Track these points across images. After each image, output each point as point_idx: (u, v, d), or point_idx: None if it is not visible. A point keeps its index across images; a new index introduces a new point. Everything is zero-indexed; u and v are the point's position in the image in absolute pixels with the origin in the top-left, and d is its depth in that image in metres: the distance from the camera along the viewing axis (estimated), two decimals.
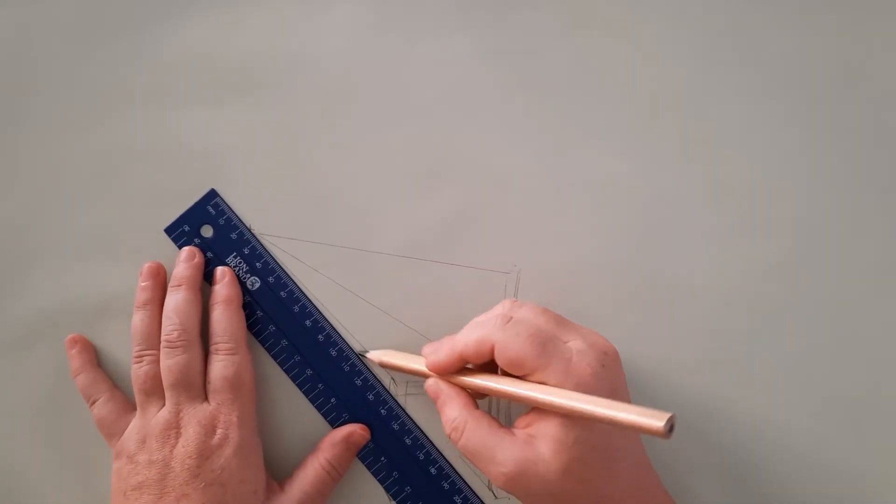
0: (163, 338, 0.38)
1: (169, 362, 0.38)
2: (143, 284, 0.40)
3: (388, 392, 0.41)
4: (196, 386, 0.38)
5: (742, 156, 0.41)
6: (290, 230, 0.41)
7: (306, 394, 0.40)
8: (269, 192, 0.41)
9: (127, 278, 0.41)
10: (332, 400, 0.40)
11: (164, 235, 0.41)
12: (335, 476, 0.39)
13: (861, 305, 0.40)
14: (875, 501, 0.40)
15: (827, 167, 0.41)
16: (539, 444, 0.33)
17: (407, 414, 0.41)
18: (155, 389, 0.38)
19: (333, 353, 0.40)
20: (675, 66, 0.41)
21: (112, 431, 0.39)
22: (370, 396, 0.40)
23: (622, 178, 0.41)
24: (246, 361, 0.39)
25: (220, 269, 0.40)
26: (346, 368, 0.40)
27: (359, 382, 0.40)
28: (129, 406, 0.39)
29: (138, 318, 0.39)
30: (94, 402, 0.39)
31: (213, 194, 0.41)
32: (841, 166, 0.41)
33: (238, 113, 0.42)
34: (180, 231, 0.41)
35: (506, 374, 0.35)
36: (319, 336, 0.40)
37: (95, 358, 0.41)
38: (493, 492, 0.41)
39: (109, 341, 0.41)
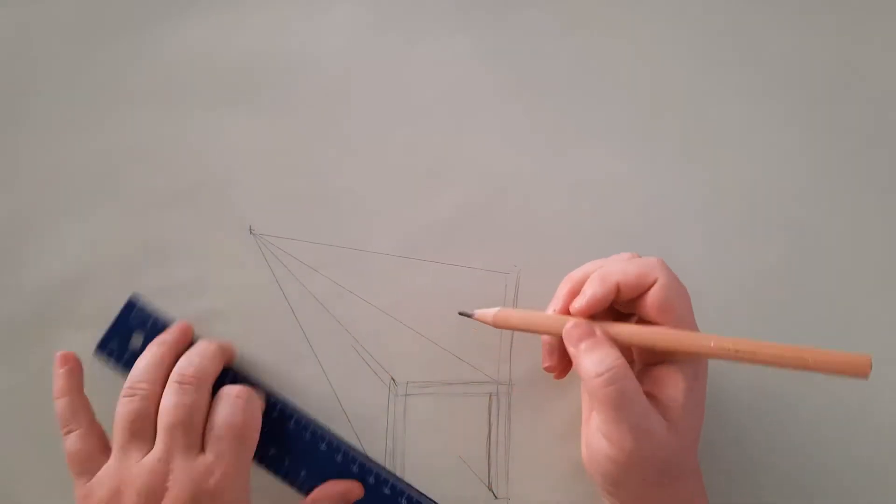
0: (176, 373, 0.35)
1: (174, 400, 0.34)
2: (168, 330, 0.39)
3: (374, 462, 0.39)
4: (197, 433, 0.34)
5: (742, 156, 0.41)
6: (290, 230, 0.41)
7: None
8: (268, 191, 0.41)
9: (126, 277, 0.41)
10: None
11: (165, 236, 0.41)
12: None
13: (861, 305, 0.40)
14: (875, 501, 0.40)
15: (827, 167, 0.41)
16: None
17: (397, 478, 0.39)
18: (143, 431, 0.34)
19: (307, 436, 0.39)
20: (675, 66, 0.41)
21: (83, 469, 0.34)
22: (354, 469, 0.38)
23: (622, 178, 0.41)
24: (258, 410, 0.36)
25: (186, 328, 0.39)
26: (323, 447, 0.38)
27: (339, 458, 0.38)
28: (107, 443, 0.35)
29: (149, 354, 0.36)
30: (69, 432, 0.35)
31: (131, 304, 0.40)
32: (841, 166, 0.41)
33: (238, 113, 0.42)
34: (108, 350, 0.39)
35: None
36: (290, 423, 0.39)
37: (82, 383, 0.37)
38: (493, 492, 0.41)
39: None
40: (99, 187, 0.41)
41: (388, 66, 0.42)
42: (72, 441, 0.35)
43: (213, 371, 0.36)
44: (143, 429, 0.34)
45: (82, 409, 0.36)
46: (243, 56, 0.42)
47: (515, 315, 0.36)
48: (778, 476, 0.40)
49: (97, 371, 0.39)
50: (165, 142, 0.42)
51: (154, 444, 0.34)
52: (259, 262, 0.41)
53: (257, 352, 0.41)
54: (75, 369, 0.37)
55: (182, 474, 0.33)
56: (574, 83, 0.41)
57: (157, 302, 0.41)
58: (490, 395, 0.41)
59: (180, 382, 0.35)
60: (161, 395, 0.35)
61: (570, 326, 0.34)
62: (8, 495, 0.41)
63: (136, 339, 0.39)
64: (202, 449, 0.34)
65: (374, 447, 0.40)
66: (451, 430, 0.41)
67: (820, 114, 0.41)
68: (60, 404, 0.36)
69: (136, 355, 0.37)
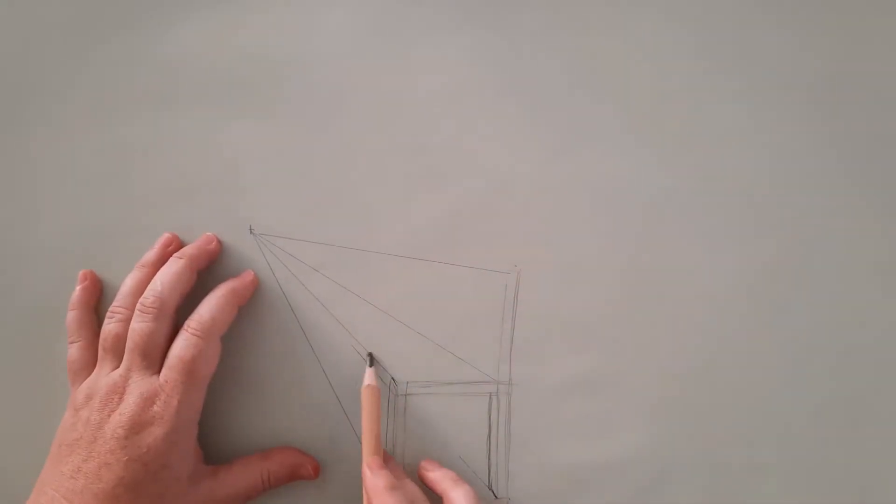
0: (140, 300, 0.38)
1: (135, 325, 0.37)
2: (153, 249, 0.40)
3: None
4: (152, 357, 0.37)
5: (742, 155, 0.41)
6: (290, 230, 0.41)
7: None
8: (269, 191, 0.41)
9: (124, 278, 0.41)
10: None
11: (166, 234, 0.41)
12: (268, 489, 0.39)
13: (861, 305, 0.40)
14: (875, 501, 0.40)
15: (826, 167, 0.41)
16: None
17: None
18: (115, 349, 0.38)
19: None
20: (675, 66, 0.41)
21: (76, 377, 0.39)
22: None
23: (622, 178, 0.41)
24: (211, 351, 0.38)
25: (247, 271, 0.40)
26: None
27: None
28: None
29: (130, 277, 0.39)
30: (72, 343, 0.39)
31: None
32: (841, 166, 0.41)
33: (238, 112, 0.42)
34: None
35: None
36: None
37: (95, 301, 0.41)
38: (493, 492, 0.41)
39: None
40: (99, 187, 0.41)
41: (388, 65, 0.42)
42: (73, 351, 0.39)
43: (177, 296, 0.38)
44: (115, 347, 0.38)
45: (88, 324, 0.40)
46: (243, 55, 0.42)
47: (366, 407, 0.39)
48: (778, 476, 0.40)
49: None
50: (165, 142, 0.41)
51: None
52: (259, 262, 0.41)
53: (257, 351, 0.41)
54: (89, 287, 0.41)
55: (135, 389, 0.36)
56: (574, 83, 0.41)
57: None
58: (490, 395, 0.41)
59: (141, 310, 0.37)
60: None
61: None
62: (8, 496, 0.41)
63: None
64: (158, 373, 0.37)
65: None
66: (451, 430, 0.41)
67: (820, 114, 0.41)
68: (71, 316, 0.40)
69: None
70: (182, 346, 0.37)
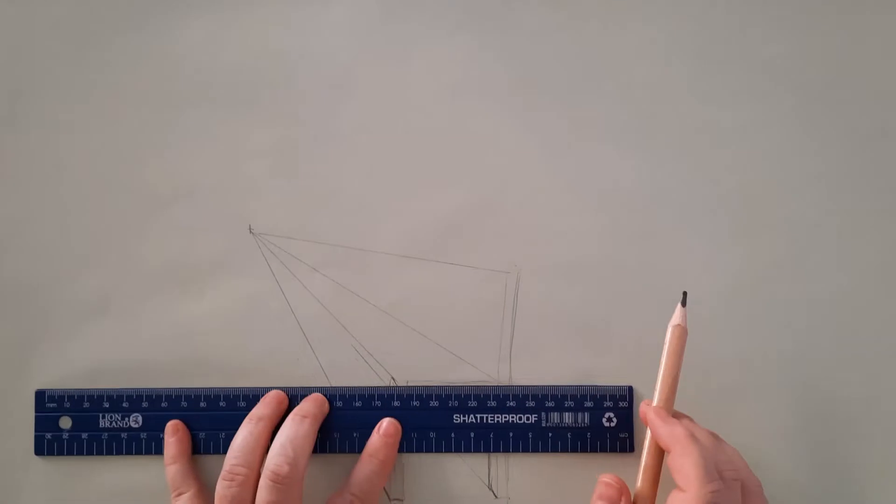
0: (270, 467, 0.36)
1: (270, 498, 0.35)
2: (263, 402, 0.39)
3: None
4: None
5: (742, 155, 0.41)
6: (290, 230, 0.41)
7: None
8: (269, 191, 0.41)
9: (126, 279, 0.41)
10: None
11: (165, 236, 0.41)
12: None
13: (861, 305, 0.40)
14: (875, 501, 0.40)
15: (826, 167, 0.41)
16: None
17: None
18: None
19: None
20: (675, 65, 0.41)
21: None
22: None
23: (622, 178, 0.41)
24: None
25: (392, 424, 0.40)
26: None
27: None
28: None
29: (246, 432, 0.37)
30: (179, 495, 0.38)
31: (41, 395, 0.40)
32: (841, 166, 0.41)
33: (238, 112, 0.42)
34: (45, 443, 0.40)
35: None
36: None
37: (191, 448, 0.40)
38: (493, 492, 0.41)
39: (101, 339, 0.41)
40: (98, 187, 0.41)
41: (388, 65, 0.42)
42: (182, 503, 0.38)
43: (306, 462, 0.37)
44: None
45: (191, 475, 0.39)
46: (243, 55, 0.42)
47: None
48: (778, 476, 0.40)
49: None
50: (165, 141, 0.41)
51: None
52: (259, 262, 0.41)
53: (257, 352, 0.41)
54: (183, 438, 0.40)
55: None
56: (574, 83, 0.41)
57: (158, 302, 0.41)
58: None
59: (274, 481, 0.35)
60: (258, 476, 0.36)
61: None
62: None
63: (65, 422, 0.40)
64: None
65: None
66: None
67: (820, 114, 0.41)
68: (171, 470, 0.39)
69: (75, 438, 0.40)
70: None
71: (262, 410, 0.39)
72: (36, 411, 0.40)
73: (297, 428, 0.37)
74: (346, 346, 0.41)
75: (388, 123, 0.41)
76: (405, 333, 0.41)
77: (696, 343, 0.40)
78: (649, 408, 0.36)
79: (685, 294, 0.37)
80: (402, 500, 0.40)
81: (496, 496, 0.41)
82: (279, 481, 0.35)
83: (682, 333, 0.36)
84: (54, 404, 0.40)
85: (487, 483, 0.41)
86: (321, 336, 0.41)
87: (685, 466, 0.33)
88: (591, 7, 0.41)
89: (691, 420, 0.37)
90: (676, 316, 0.37)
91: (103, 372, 0.41)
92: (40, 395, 0.40)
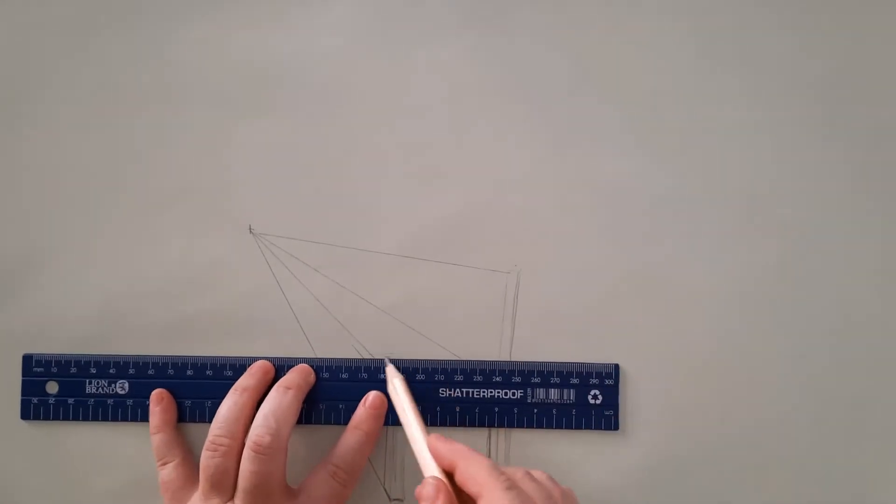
0: (253, 437, 0.36)
1: (253, 468, 0.35)
2: (249, 373, 0.39)
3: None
4: (273, 497, 0.36)
5: (743, 156, 0.41)
6: (290, 230, 0.41)
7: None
8: (269, 191, 0.41)
9: (126, 279, 0.41)
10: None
11: (165, 236, 0.41)
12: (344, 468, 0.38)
13: (861, 305, 0.40)
14: (875, 501, 0.40)
15: (826, 167, 0.41)
16: None
17: None
18: (222, 485, 0.36)
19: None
20: (675, 66, 0.41)
21: (175, 497, 0.38)
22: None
23: (622, 178, 0.41)
24: (346, 498, 0.38)
25: (378, 396, 0.40)
26: None
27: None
28: (197, 475, 0.37)
29: (231, 402, 0.37)
30: (164, 464, 0.39)
31: (28, 359, 0.41)
32: (840, 166, 0.41)
33: (238, 112, 0.41)
34: (31, 408, 0.40)
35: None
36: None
37: (176, 417, 0.40)
38: None
39: (102, 336, 0.41)
40: (98, 187, 0.41)
41: (388, 65, 0.42)
42: (167, 472, 0.38)
43: (289, 431, 0.37)
44: (222, 482, 0.36)
45: (176, 443, 0.39)
46: (244, 55, 0.42)
47: (399, 397, 0.38)
48: (779, 476, 0.40)
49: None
50: (165, 142, 0.41)
51: (234, 494, 0.36)
52: (259, 262, 0.41)
53: (257, 352, 0.41)
54: (168, 407, 0.40)
55: None
56: (574, 83, 0.41)
57: (158, 302, 0.41)
58: None
59: (256, 452, 0.36)
60: (242, 446, 0.36)
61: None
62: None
63: (52, 387, 0.41)
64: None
65: (373, 447, 0.40)
66: None
67: (820, 113, 0.41)
68: (156, 439, 0.39)
69: (62, 403, 0.40)
70: (333, 487, 0.37)
71: (247, 381, 0.39)
72: (23, 375, 0.41)
73: (281, 399, 0.37)
74: (346, 346, 0.41)
75: (389, 124, 0.41)
76: (405, 333, 0.41)
77: (696, 343, 0.40)
78: (427, 441, 0.35)
79: (386, 359, 0.40)
80: (402, 500, 0.40)
81: None
82: (261, 451, 0.35)
83: (403, 383, 0.39)
84: (41, 369, 0.40)
85: None
86: (321, 336, 0.41)
87: (472, 471, 0.32)
88: (591, 8, 0.41)
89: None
90: (392, 373, 0.39)
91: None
92: (27, 360, 0.41)
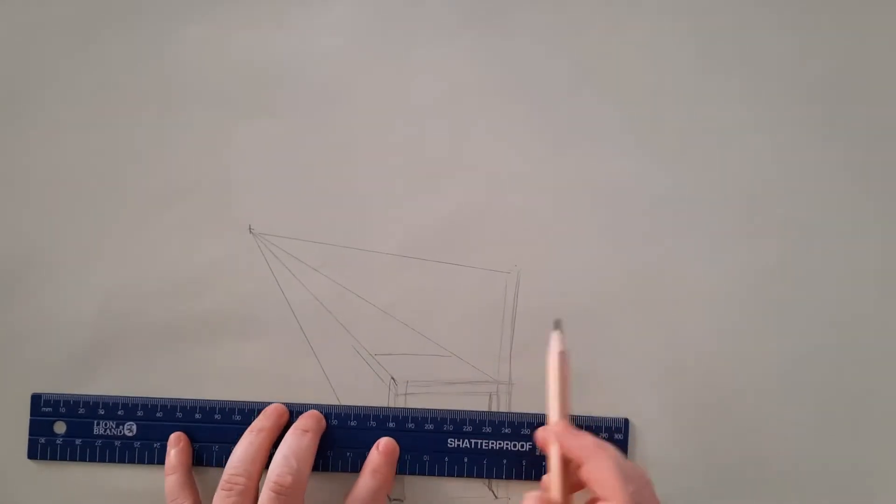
0: (273, 478, 0.36)
1: None
2: (265, 415, 0.39)
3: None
4: None
5: (743, 156, 0.41)
6: (290, 230, 0.41)
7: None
8: (269, 191, 0.41)
9: (126, 279, 0.41)
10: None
11: (165, 236, 0.41)
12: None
13: (861, 305, 0.40)
14: (875, 501, 0.40)
15: (827, 167, 0.41)
16: None
17: None
18: None
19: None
20: (675, 66, 0.41)
21: None
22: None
23: (622, 178, 0.41)
24: None
25: (390, 442, 0.40)
26: None
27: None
28: None
29: (247, 442, 0.37)
30: None
31: (37, 398, 0.40)
32: (842, 166, 0.41)
33: (238, 112, 0.41)
34: (39, 447, 0.40)
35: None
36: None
37: (191, 461, 0.40)
38: (493, 492, 0.41)
39: (102, 336, 0.41)
40: (99, 187, 0.41)
41: (388, 65, 0.42)
42: None
43: (307, 474, 0.37)
44: None
45: (189, 486, 0.39)
46: (243, 55, 0.42)
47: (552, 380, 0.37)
48: (779, 476, 0.40)
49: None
50: (165, 142, 0.41)
51: None
52: (259, 262, 0.41)
53: (257, 352, 0.41)
54: (185, 449, 0.40)
55: None
56: (574, 83, 0.41)
57: (158, 302, 0.41)
58: (490, 395, 0.41)
59: (277, 492, 0.35)
60: (256, 488, 0.36)
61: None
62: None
63: (60, 427, 0.40)
64: None
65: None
66: None
67: (820, 113, 0.41)
68: (170, 481, 0.39)
69: (69, 443, 0.40)
70: None
71: (262, 422, 0.39)
72: (31, 415, 0.40)
73: (300, 441, 0.37)
74: (346, 346, 0.41)
75: (389, 124, 0.41)
76: (405, 333, 0.41)
77: (697, 343, 0.40)
78: (552, 427, 0.36)
79: (558, 321, 0.38)
80: (402, 501, 0.40)
81: (496, 496, 0.41)
82: (282, 492, 0.35)
83: (566, 359, 0.37)
84: (49, 409, 0.40)
85: (487, 483, 0.41)
86: (321, 336, 0.41)
87: (602, 474, 0.33)
88: (591, 8, 0.41)
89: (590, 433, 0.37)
90: (556, 344, 0.37)
91: (99, 374, 0.41)
92: (36, 399, 0.40)
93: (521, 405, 0.41)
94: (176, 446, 0.40)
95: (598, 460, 0.33)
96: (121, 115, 0.42)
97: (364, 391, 0.41)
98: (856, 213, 0.41)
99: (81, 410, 0.40)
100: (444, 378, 0.41)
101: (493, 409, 0.41)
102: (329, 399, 0.41)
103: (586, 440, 0.35)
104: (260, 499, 0.35)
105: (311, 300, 0.41)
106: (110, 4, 0.42)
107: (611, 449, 0.34)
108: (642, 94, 0.41)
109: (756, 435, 0.40)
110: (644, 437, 0.40)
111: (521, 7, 0.41)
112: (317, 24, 0.42)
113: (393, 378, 0.41)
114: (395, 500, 0.40)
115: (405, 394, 0.41)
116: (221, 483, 0.36)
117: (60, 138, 0.42)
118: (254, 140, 0.41)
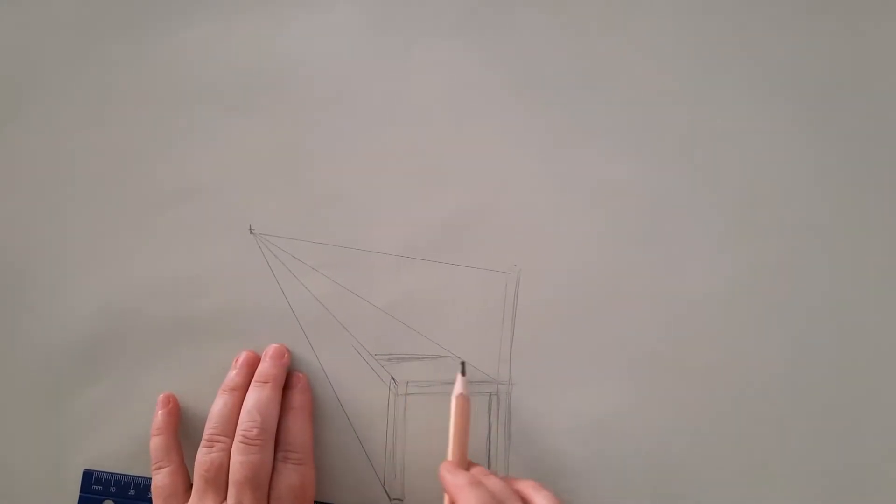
0: (240, 432, 0.37)
1: (243, 458, 0.37)
2: (236, 370, 0.40)
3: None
4: (263, 488, 0.37)
5: (743, 156, 0.41)
6: (290, 230, 0.41)
7: None
8: (268, 191, 0.41)
9: (126, 278, 0.41)
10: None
11: (165, 236, 0.41)
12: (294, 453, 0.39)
13: (861, 306, 0.40)
14: (875, 501, 0.40)
15: (827, 167, 0.41)
16: None
17: None
18: (217, 480, 0.37)
19: None
20: (675, 66, 0.41)
21: (166, 503, 0.38)
22: None
23: (622, 179, 0.41)
24: (311, 474, 0.39)
25: (296, 375, 0.40)
26: None
27: None
28: (189, 483, 0.39)
29: (221, 402, 0.39)
30: (159, 468, 0.39)
31: (88, 475, 0.40)
32: (842, 167, 0.41)
33: (238, 112, 0.42)
34: None
35: None
36: None
37: (178, 423, 0.40)
38: None
39: (102, 336, 0.41)
40: (99, 187, 0.41)
41: (388, 65, 0.42)
42: (161, 477, 0.39)
43: (274, 423, 0.38)
44: (217, 478, 0.37)
45: (174, 449, 0.40)
46: (243, 56, 0.42)
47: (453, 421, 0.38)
48: (779, 476, 0.40)
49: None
50: (166, 142, 0.42)
51: (227, 494, 0.37)
52: (259, 262, 0.41)
53: (257, 352, 0.41)
54: (173, 411, 0.40)
55: None
56: (574, 83, 0.41)
57: (157, 302, 0.41)
58: (490, 395, 0.41)
59: (247, 443, 0.37)
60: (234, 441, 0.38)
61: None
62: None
63: None
64: (268, 502, 0.37)
65: (374, 447, 0.40)
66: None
67: (820, 114, 0.41)
68: (155, 441, 0.39)
69: None
70: (288, 476, 0.38)
71: (235, 380, 0.40)
72: (81, 491, 0.40)
73: (259, 393, 0.39)
74: (346, 346, 0.41)
75: (388, 124, 0.41)
76: (405, 333, 0.41)
77: (696, 343, 0.40)
78: (442, 464, 0.37)
79: (464, 364, 0.39)
80: (402, 500, 0.41)
81: None
82: (249, 442, 0.37)
83: (465, 402, 0.38)
84: (100, 486, 0.40)
85: None
86: (321, 336, 0.41)
87: None
88: (591, 8, 0.41)
89: (483, 469, 0.38)
90: (458, 386, 0.38)
91: (99, 373, 0.41)
92: (87, 476, 0.41)
93: (521, 405, 0.41)
94: (164, 407, 0.40)
95: (465, 497, 0.34)
96: (122, 115, 0.42)
97: (364, 391, 0.41)
98: (856, 213, 0.41)
99: (132, 492, 0.41)
100: (444, 378, 0.41)
101: (493, 408, 0.41)
102: (329, 399, 0.41)
103: (460, 478, 0.35)
104: (232, 450, 0.37)
105: (311, 300, 0.41)
106: (111, 5, 0.42)
107: (491, 485, 0.35)
108: (642, 93, 0.41)
109: (756, 434, 0.40)
110: (644, 437, 0.40)
111: (521, 7, 0.41)
112: (317, 24, 0.42)
113: (393, 378, 0.41)
114: (395, 499, 0.40)
115: (405, 394, 0.41)
116: (203, 441, 0.38)
117: (61, 138, 0.42)
118: (254, 140, 0.41)
